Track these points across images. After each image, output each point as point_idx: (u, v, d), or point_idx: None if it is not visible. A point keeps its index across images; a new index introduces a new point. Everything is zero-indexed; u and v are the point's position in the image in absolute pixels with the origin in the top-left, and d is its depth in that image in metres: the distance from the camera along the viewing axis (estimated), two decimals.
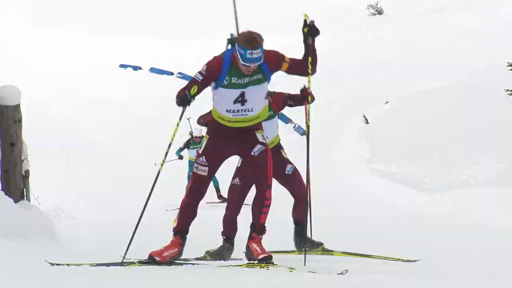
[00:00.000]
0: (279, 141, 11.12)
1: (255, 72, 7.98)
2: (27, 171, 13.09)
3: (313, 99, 10.99)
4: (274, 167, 10.32)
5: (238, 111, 8.11)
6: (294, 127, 32.04)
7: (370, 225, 17.01)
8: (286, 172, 10.86)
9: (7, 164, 12.53)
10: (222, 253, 10.96)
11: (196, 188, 8.40)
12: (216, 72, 7.98)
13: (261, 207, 8.28)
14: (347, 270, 8.82)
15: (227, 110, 8.12)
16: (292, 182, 10.94)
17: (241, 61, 7.78)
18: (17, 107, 11.86)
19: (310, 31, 8.28)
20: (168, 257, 8.23)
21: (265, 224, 8.42)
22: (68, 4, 61.43)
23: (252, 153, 8.20)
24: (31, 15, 61.48)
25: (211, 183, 20.51)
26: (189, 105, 8.15)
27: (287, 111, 13.33)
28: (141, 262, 8.40)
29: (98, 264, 8.31)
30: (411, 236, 14.97)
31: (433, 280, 9.40)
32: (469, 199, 20.22)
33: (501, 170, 20.09)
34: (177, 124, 8.89)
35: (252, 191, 9.77)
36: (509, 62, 23.00)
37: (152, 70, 49.90)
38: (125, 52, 52.72)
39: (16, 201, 12.23)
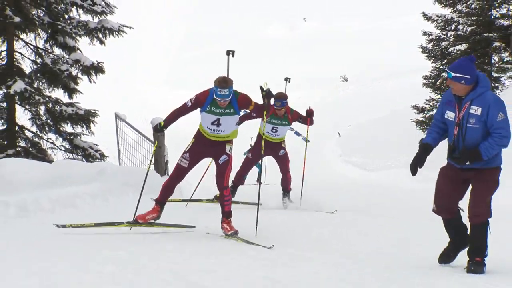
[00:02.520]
0: (284, 139, 13.57)
1: (229, 107, 9.49)
2: (167, 161, 17.03)
3: (312, 122, 13.82)
4: (274, 151, 13.91)
5: (214, 130, 9.66)
6: (302, 138, 37.04)
7: (338, 187, 22.64)
8: (279, 154, 13.54)
9: (157, 157, 16.33)
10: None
11: (176, 175, 9.89)
12: (202, 102, 9.57)
13: (223, 201, 9.80)
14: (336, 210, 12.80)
15: (207, 127, 9.70)
16: (281, 162, 13.71)
17: (214, 96, 9.29)
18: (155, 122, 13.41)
19: (267, 94, 9.67)
20: (149, 219, 9.82)
21: (231, 211, 9.84)
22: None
23: (219, 161, 9.72)
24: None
25: (255, 167, 22.60)
26: (162, 132, 10.66)
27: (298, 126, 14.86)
28: (129, 223, 9.81)
29: (96, 224, 9.67)
30: (358, 193, 20.27)
31: (368, 217, 13.41)
32: (393, 174, 26.10)
33: (408, 159, 25.24)
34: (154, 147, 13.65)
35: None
36: (414, 105, 30.72)
37: None
38: None
39: (161, 176, 16.01)
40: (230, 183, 11.57)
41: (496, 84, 29.29)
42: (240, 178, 13.61)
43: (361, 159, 31.69)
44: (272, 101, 11.02)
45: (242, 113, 9.99)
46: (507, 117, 6.88)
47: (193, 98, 9.75)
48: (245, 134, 15.32)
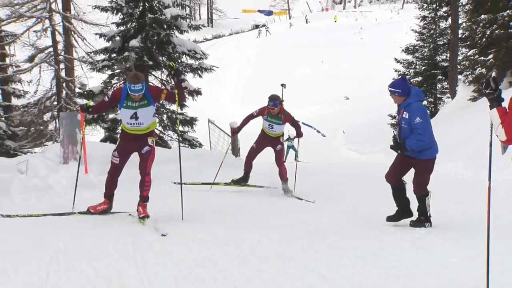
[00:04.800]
0: (282, 134, 10.76)
1: (143, 99, 7.26)
2: (239, 148, 16.72)
3: (300, 135, 10.87)
4: (274, 143, 10.75)
5: (133, 124, 7.37)
6: (322, 134, 34.53)
7: (341, 164, 20.94)
8: (276, 148, 10.60)
9: (233, 145, 15.84)
10: (241, 180, 10.86)
11: (112, 171, 7.63)
12: (117, 98, 7.37)
13: (143, 186, 7.49)
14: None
15: (127, 123, 7.42)
16: (277, 155, 10.71)
17: (129, 91, 7.14)
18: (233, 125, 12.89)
19: (175, 73, 7.68)
20: (99, 210, 7.58)
21: (149, 196, 7.51)
22: None
23: (142, 152, 7.46)
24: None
25: (292, 150, 23.66)
26: (88, 113, 7.74)
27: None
28: (81, 213, 7.50)
29: (45, 214, 7.29)
30: (352, 166, 18.79)
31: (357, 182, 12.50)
32: (375, 156, 24.28)
33: (385, 147, 18.70)
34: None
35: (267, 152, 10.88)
36: (389, 113, 28.45)
37: None
38: None
39: (235, 157, 15.60)
40: (241, 173, 10.73)
41: (439, 102, 29.15)
42: (248, 165, 10.96)
43: (356, 147, 30.49)
44: (267, 102, 10.23)
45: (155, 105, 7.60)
46: (424, 121, 6.75)
47: (109, 94, 7.65)
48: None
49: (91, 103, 7.68)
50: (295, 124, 10.74)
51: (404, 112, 6.86)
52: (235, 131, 11.41)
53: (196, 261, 5.38)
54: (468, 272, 5.09)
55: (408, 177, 7.28)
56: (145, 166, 7.49)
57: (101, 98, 18.73)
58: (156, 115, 7.68)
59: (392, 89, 6.90)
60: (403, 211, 7.26)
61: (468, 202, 9.16)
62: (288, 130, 24.86)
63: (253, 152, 10.93)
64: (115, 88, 7.23)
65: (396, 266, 5.35)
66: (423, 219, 7.15)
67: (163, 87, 7.54)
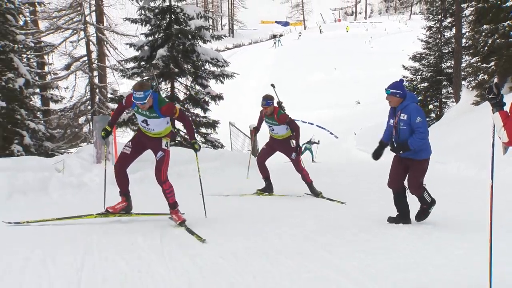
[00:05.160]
0: (289, 135, 9.63)
1: (152, 111, 6.37)
2: (258, 148, 14.76)
3: (297, 137, 9.64)
4: (286, 151, 9.72)
5: (145, 127, 6.56)
6: (335, 136, 31.87)
7: (351, 163, 20.56)
8: (291, 157, 9.62)
9: (253, 146, 14.97)
10: (266, 190, 9.91)
11: (120, 162, 6.64)
12: (129, 101, 6.51)
13: (165, 195, 6.56)
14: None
15: (140, 124, 6.61)
16: (294, 164, 9.70)
17: (132, 98, 6.26)
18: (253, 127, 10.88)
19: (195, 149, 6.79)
20: (118, 209, 6.74)
21: (176, 201, 6.62)
22: None
23: (156, 158, 6.55)
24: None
25: (308, 152, 24.75)
26: (111, 134, 6.85)
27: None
28: (99, 214, 6.70)
29: (58, 218, 6.55)
30: (359, 166, 17.10)
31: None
32: (382, 156, 27.42)
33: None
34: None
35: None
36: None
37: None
38: None
39: (255, 157, 12.07)
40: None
41: (444, 106, 28.80)
42: (262, 168, 9.89)
43: (366, 147, 30.57)
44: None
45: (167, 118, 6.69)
46: (424, 120, 6.57)
47: (124, 98, 6.79)
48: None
49: (108, 128, 6.86)
50: (291, 126, 9.56)
51: (402, 114, 6.59)
52: (255, 132, 10.83)
53: (219, 253, 5.38)
54: (472, 263, 5.08)
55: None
56: (159, 174, 6.54)
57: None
58: (169, 122, 6.73)
59: (394, 91, 6.62)
60: (402, 217, 7.01)
61: (471, 200, 8.97)
62: (313, 134, 25.61)
63: (264, 153, 10.00)
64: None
65: (405, 258, 5.34)
66: (426, 207, 6.96)
67: (175, 110, 6.57)
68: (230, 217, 7.47)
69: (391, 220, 7.04)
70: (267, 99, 9.52)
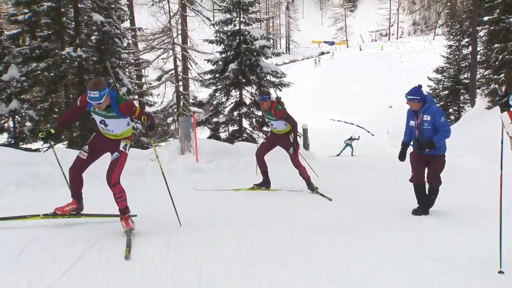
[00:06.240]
0: (289, 130, 7.96)
1: (109, 111, 4.85)
2: (309, 144, 16.38)
3: (295, 133, 8.06)
4: (285, 146, 8.08)
5: (103, 128, 5.03)
6: (367, 131, 31.35)
7: (384, 157, 17.84)
8: (289, 152, 7.96)
9: (304, 140, 16.06)
10: (263, 185, 8.28)
11: (75, 165, 5.06)
12: (84, 101, 4.85)
13: (115, 199, 4.99)
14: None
15: (98, 125, 5.06)
16: (291, 158, 7.96)
17: (87, 98, 4.71)
18: (304, 127, 14.11)
19: (147, 128, 4.96)
20: (68, 211, 5.17)
21: (127, 207, 5.02)
22: None
23: (111, 158, 5.00)
24: None
25: (349, 146, 23.65)
26: (51, 137, 5.05)
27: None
28: (46, 215, 5.15)
29: (2, 218, 5.08)
30: (391, 160, 18.43)
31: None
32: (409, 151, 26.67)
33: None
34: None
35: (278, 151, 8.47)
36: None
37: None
38: None
39: (306, 149, 15.52)
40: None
41: (461, 110, 27.92)
42: (260, 161, 8.27)
43: (395, 143, 29.50)
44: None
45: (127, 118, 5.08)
46: (446, 120, 6.10)
47: (79, 99, 5.06)
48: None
49: (52, 131, 5.06)
50: (288, 121, 7.92)
51: (425, 116, 6.08)
52: (259, 126, 9.21)
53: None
54: (486, 240, 4.95)
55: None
56: (110, 177, 4.95)
57: (208, 107, 19.33)
58: (130, 124, 5.18)
59: (412, 96, 6.11)
60: (423, 208, 6.43)
61: (484, 190, 8.26)
62: (353, 132, 25.00)
63: (263, 148, 8.29)
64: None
65: (430, 233, 5.36)
66: (434, 198, 6.48)
67: (135, 108, 4.83)
68: (231, 210, 6.56)
69: (414, 212, 6.48)
70: (263, 95, 8.04)
